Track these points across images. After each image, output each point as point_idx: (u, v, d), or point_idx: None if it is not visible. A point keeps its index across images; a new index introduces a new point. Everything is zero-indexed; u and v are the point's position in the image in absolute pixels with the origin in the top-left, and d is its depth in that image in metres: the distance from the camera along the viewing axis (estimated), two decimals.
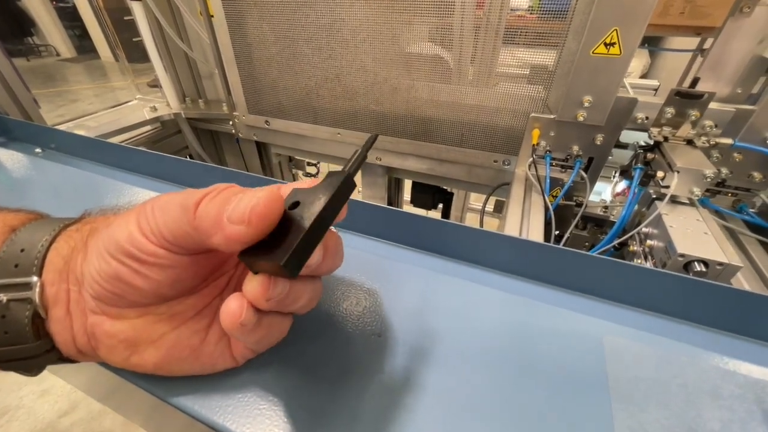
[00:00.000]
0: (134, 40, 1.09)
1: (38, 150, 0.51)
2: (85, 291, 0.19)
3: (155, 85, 1.15)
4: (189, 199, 0.17)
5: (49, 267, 0.19)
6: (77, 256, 0.19)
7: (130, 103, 1.21)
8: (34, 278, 0.19)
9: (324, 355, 0.24)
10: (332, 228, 0.19)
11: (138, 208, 0.18)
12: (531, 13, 0.63)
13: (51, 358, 0.20)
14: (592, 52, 0.54)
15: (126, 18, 1.06)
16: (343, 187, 0.18)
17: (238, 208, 0.16)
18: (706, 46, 0.99)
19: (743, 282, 0.47)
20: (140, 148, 0.45)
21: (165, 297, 0.19)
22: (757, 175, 0.56)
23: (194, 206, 0.17)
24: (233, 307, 0.17)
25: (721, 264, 0.40)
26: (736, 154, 0.56)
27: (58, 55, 5.54)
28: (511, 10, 0.62)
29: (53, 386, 1.32)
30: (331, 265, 0.21)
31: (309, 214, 0.17)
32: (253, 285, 0.17)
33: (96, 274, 0.18)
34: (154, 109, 1.13)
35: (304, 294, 0.20)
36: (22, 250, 0.19)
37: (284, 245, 0.16)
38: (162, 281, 0.18)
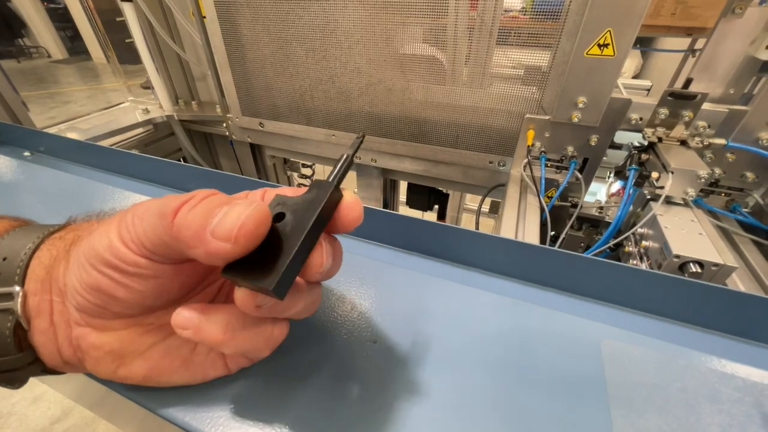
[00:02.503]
0: (126, 41, 1.08)
1: (27, 153, 0.50)
2: (68, 302, 0.18)
3: (148, 86, 1.14)
4: (167, 206, 0.16)
5: (31, 276, 0.18)
6: (59, 266, 0.19)
7: (122, 105, 1.20)
8: (17, 288, 0.18)
9: (318, 363, 0.23)
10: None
11: (119, 215, 0.17)
12: (524, 14, 0.62)
13: (34, 370, 0.19)
14: (586, 53, 0.54)
15: (118, 19, 1.05)
16: (330, 200, 0.18)
17: (224, 223, 0.15)
18: (697, 46, 1.00)
19: (738, 282, 0.47)
20: (132, 152, 0.44)
21: (151, 308, 0.19)
22: (750, 175, 0.56)
23: (172, 214, 0.16)
24: (183, 318, 0.17)
25: (716, 265, 0.40)
26: (729, 155, 0.56)
27: (49, 56, 5.48)
28: (505, 11, 0.62)
29: (45, 392, 1.30)
30: (330, 273, 0.20)
31: (297, 232, 0.16)
32: (242, 293, 0.17)
33: (78, 285, 0.17)
34: (147, 111, 1.12)
35: (299, 301, 0.19)
36: (5, 259, 0.19)
37: (272, 266, 0.16)
38: (145, 292, 0.17)
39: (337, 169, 0.19)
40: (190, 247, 0.15)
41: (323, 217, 0.17)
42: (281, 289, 0.16)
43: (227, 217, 0.15)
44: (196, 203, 0.16)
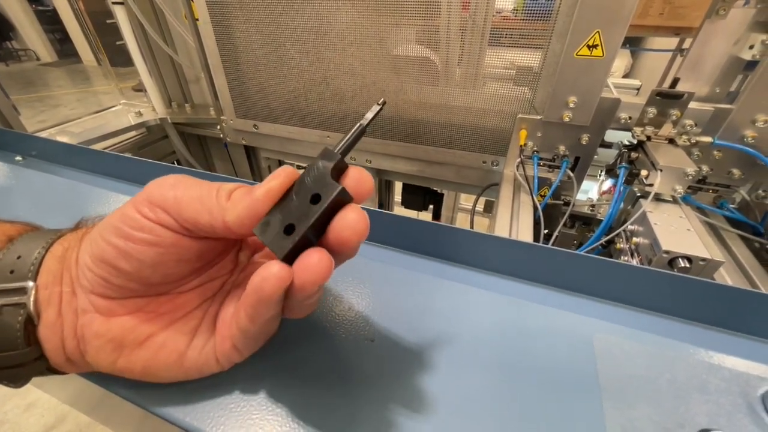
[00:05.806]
0: (117, 43, 1.07)
1: (18, 158, 0.49)
2: (78, 287, 0.19)
3: (140, 89, 1.13)
4: (221, 186, 0.19)
5: (44, 270, 0.19)
6: (72, 253, 0.20)
7: (114, 108, 1.19)
8: (30, 283, 0.19)
9: (317, 362, 0.23)
10: (360, 207, 0.18)
11: (133, 197, 0.19)
12: (515, 15, 0.63)
13: (39, 367, 0.20)
14: (576, 54, 0.55)
15: (108, 21, 1.05)
16: (335, 170, 0.18)
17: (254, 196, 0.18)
18: (685, 46, 1.02)
19: (725, 276, 0.48)
20: (125, 155, 0.44)
21: (148, 281, 0.19)
22: (736, 171, 0.57)
23: (228, 193, 0.18)
24: (276, 270, 0.17)
25: (704, 260, 0.41)
26: (715, 152, 0.57)
27: (38, 59, 5.41)
28: (496, 12, 0.63)
29: (39, 399, 1.29)
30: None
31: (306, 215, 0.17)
32: (315, 263, 0.17)
33: (89, 260, 0.19)
34: (140, 114, 1.11)
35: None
36: (19, 257, 0.19)
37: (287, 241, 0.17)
38: (144, 261, 0.18)
39: (346, 139, 0.19)
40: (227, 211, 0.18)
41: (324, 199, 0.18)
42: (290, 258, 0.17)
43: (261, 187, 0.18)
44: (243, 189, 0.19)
